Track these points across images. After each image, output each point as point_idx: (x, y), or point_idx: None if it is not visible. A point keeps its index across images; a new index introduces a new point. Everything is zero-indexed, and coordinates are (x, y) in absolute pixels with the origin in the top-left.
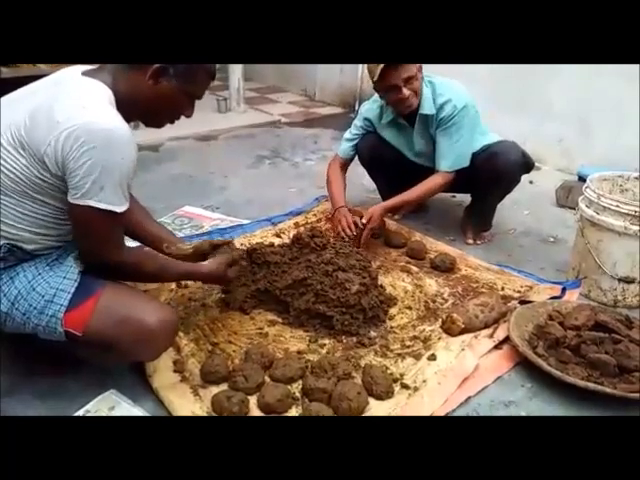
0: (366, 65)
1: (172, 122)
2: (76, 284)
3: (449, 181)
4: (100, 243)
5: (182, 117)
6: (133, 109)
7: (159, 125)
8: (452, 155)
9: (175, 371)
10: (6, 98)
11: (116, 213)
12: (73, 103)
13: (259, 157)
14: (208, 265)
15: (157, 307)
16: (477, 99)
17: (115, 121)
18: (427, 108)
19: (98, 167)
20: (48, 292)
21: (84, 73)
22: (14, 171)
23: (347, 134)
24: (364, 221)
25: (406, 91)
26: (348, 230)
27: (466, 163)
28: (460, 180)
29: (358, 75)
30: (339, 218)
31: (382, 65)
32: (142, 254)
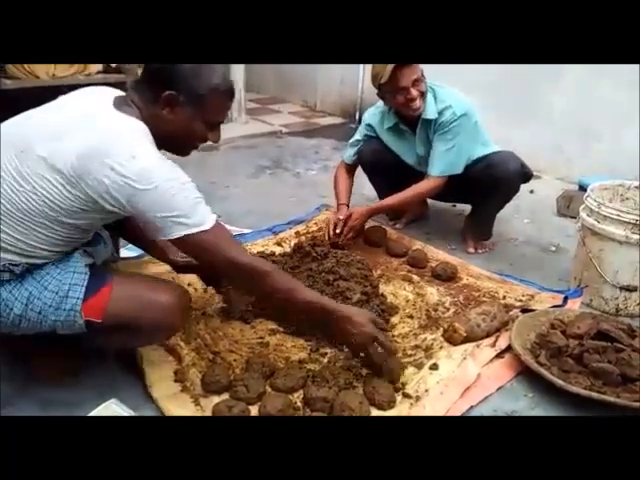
0: (371, 68)
1: (196, 148)
2: (87, 276)
3: (439, 186)
4: (223, 258)
5: None
6: (160, 141)
7: (184, 153)
8: (444, 161)
9: (176, 381)
10: (32, 119)
11: (209, 228)
12: (123, 149)
13: (260, 167)
14: (353, 310)
15: (169, 285)
16: (478, 107)
17: (160, 158)
18: (430, 113)
19: (168, 203)
20: (61, 288)
21: (115, 104)
22: (55, 200)
23: (352, 140)
24: (341, 217)
25: (415, 92)
26: (331, 231)
27: (458, 170)
28: (459, 190)
29: (359, 85)
30: (337, 212)
31: (391, 66)
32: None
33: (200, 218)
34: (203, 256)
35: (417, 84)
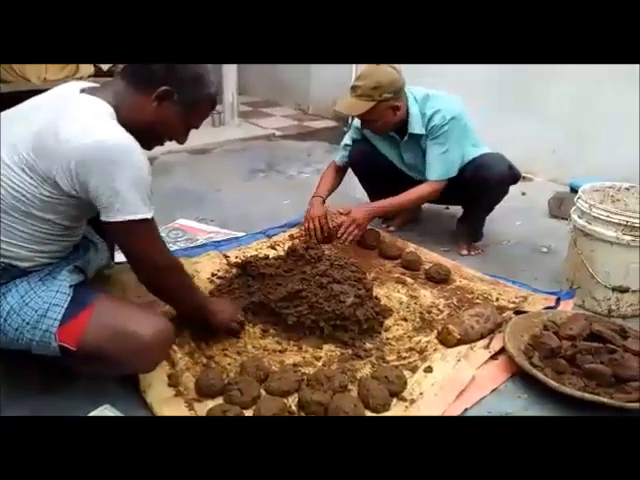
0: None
1: (162, 144)
2: (69, 298)
3: (438, 190)
4: (147, 251)
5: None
6: (130, 129)
7: (149, 147)
8: (440, 165)
9: (170, 385)
10: (6, 115)
11: (149, 219)
12: (78, 123)
13: (253, 170)
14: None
15: (151, 319)
16: (472, 109)
17: (123, 134)
18: (417, 128)
19: (120, 183)
20: (41, 307)
21: (83, 91)
22: (20, 190)
23: (342, 143)
24: (345, 218)
25: (365, 125)
26: (316, 222)
27: (454, 173)
28: (451, 191)
29: None
30: (310, 208)
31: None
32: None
33: (145, 206)
34: (135, 244)
35: (370, 123)
